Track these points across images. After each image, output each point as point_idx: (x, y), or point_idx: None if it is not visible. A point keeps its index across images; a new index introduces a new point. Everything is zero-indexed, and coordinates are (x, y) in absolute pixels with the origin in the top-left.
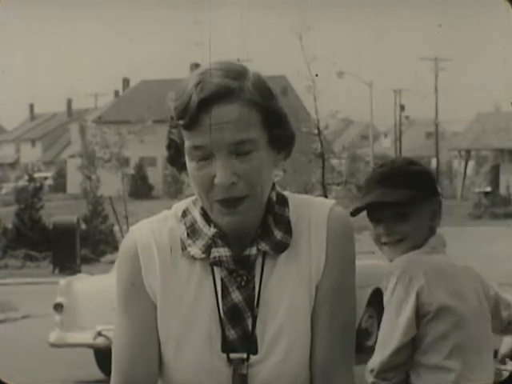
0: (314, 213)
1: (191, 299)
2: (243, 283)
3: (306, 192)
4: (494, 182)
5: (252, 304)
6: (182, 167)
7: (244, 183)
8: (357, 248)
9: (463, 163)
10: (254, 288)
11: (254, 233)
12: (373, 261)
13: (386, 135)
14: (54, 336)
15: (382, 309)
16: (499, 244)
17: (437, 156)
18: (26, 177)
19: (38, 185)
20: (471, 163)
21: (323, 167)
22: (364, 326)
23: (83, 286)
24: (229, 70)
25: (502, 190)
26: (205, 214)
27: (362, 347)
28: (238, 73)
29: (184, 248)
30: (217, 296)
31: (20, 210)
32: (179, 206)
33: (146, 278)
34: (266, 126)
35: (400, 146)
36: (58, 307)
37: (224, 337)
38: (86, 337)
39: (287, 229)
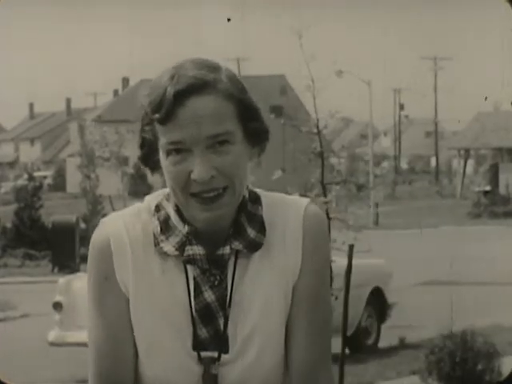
0: (288, 212)
1: (163, 296)
2: (216, 283)
3: (306, 191)
4: (494, 181)
5: (224, 304)
6: (155, 166)
7: (222, 177)
8: (355, 247)
9: (462, 162)
10: (226, 287)
11: (227, 232)
12: (371, 260)
13: (385, 134)
14: (53, 335)
15: (382, 308)
16: (498, 243)
17: (436, 155)
18: (26, 176)
19: (37, 184)
20: (470, 162)
21: (322, 166)
22: (363, 325)
23: (82, 284)
24: (202, 64)
25: (502, 189)
26: (179, 211)
27: (362, 346)
28: (211, 66)
29: (157, 243)
30: (189, 294)
31: (19, 209)
32: (151, 199)
33: (119, 272)
34: (241, 119)
35: (399, 145)
36: (58, 306)
37: (195, 335)
38: (86, 336)
39: (261, 227)
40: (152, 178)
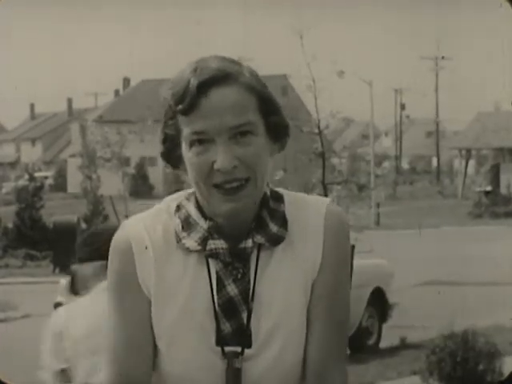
0: (310, 211)
1: (186, 292)
2: (239, 276)
3: (307, 191)
4: (495, 181)
5: (247, 297)
6: (177, 162)
7: (244, 167)
8: (357, 247)
9: (464, 162)
10: (249, 281)
11: (249, 226)
12: (373, 260)
13: (386, 134)
14: None
15: (383, 308)
16: (500, 243)
17: (437, 155)
18: (27, 176)
19: (38, 184)
20: (472, 162)
21: (324, 166)
22: (364, 325)
23: None
24: (224, 58)
25: (503, 189)
26: (200, 208)
27: (363, 347)
28: (233, 61)
29: (179, 240)
30: (212, 289)
31: (20, 209)
32: (171, 200)
33: (141, 273)
34: (262, 112)
35: (400, 145)
36: (59, 306)
37: (219, 330)
38: None
39: (283, 223)
40: (153, 179)
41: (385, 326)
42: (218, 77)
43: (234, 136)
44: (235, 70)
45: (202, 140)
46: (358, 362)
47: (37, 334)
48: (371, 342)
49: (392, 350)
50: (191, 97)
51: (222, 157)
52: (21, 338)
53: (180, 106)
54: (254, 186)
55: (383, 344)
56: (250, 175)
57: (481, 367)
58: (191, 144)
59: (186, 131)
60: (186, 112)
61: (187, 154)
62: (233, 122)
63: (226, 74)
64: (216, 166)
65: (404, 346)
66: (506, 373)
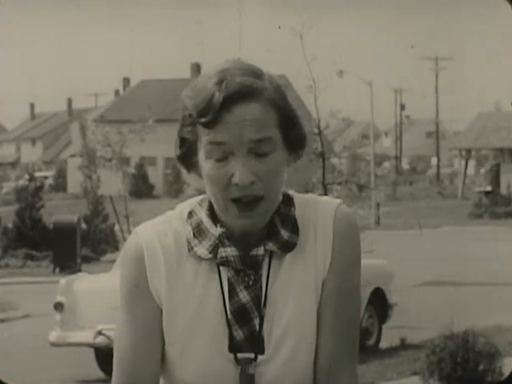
0: (319, 212)
1: (198, 300)
2: (251, 283)
3: (307, 191)
4: (495, 181)
5: (259, 304)
6: (192, 166)
7: (261, 184)
8: None
9: (464, 162)
10: (261, 288)
11: (261, 233)
12: (373, 260)
13: (386, 134)
14: (54, 335)
15: (383, 308)
16: (500, 243)
17: (437, 155)
18: (27, 176)
19: (38, 184)
20: (472, 163)
21: (324, 167)
22: (364, 325)
23: (83, 285)
24: (248, 70)
25: (503, 190)
26: (211, 215)
27: (363, 347)
28: (256, 72)
29: (190, 248)
30: (224, 296)
31: (20, 209)
32: (183, 207)
33: (151, 280)
34: (281, 126)
35: (400, 146)
36: (59, 306)
37: (231, 337)
38: (87, 336)
39: (294, 228)
40: (153, 179)
41: (385, 327)
42: (242, 92)
43: (254, 150)
44: (260, 85)
45: (221, 153)
46: (358, 362)
47: (37, 333)
48: (371, 342)
49: (392, 351)
50: (215, 111)
51: (240, 171)
52: (21, 337)
53: (203, 119)
54: (269, 203)
55: (383, 344)
56: (265, 193)
57: (481, 367)
58: (209, 154)
59: (204, 140)
60: (208, 125)
61: (205, 164)
62: (253, 135)
63: (250, 89)
64: (234, 181)
65: (404, 346)
66: (506, 373)
